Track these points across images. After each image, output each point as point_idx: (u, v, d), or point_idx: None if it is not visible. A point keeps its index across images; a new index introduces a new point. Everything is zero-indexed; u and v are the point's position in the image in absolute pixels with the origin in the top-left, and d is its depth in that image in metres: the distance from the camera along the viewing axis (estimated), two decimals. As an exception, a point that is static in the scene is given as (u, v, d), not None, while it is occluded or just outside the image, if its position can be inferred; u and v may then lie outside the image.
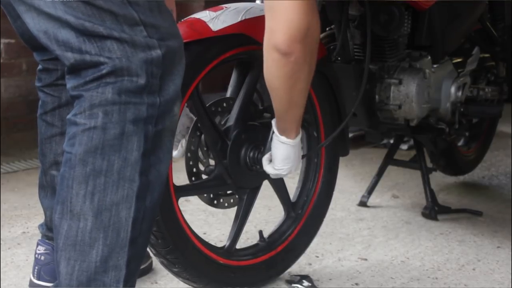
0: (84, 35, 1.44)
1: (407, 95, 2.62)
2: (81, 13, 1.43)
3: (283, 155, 2.04)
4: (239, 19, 2.05)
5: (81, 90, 1.45)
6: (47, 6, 1.44)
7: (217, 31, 2.01)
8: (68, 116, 1.47)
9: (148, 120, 1.47)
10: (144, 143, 1.46)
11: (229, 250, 2.20)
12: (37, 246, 2.00)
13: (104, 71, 1.44)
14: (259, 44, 2.08)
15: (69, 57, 1.46)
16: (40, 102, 1.93)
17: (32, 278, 2.02)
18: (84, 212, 1.42)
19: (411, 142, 3.61)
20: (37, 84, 1.93)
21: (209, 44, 2.02)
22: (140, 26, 1.47)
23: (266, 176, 2.23)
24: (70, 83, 1.47)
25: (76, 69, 1.46)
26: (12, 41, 3.78)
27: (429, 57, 2.71)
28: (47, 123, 1.90)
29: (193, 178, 2.11)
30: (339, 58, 2.59)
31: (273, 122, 2.06)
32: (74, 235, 1.42)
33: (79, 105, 1.45)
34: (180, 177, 2.17)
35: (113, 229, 1.43)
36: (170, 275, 2.20)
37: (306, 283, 2.29)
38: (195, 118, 2.09)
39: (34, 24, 1.48)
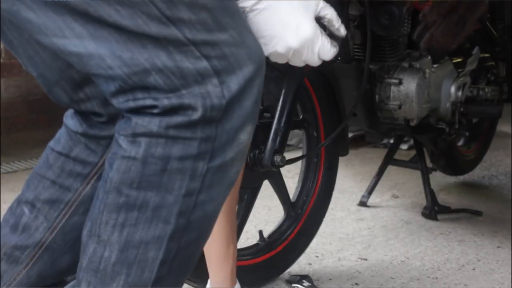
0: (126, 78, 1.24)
1: (407, 95, 2.62)
2: (115, 42, 1.23)
3: None
4: (239, 19, 2.04)
5: (129, 110, 1.28)
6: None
7: None
8: (116, 128, 1.30)
9: (199, 157, 1.27)
10: (189, 182, 1.28)
11: (230, 250, 2.20)
12: None
13: (154, 111, 1.25)
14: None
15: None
16: (59, 136, 1.61)
17: None
18: (111, 243, 1.31)
19: (411, 142, 3.61)
20: (75, 128, 1.58)
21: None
22: (189, 46, 1.24)
23: (266, 176, 2.24)
24: (115, 99, 1.29)
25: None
26: (12, 41, 3.78)
27: (429, 57, 2.71)
28: (47, 161, 1.69)
29: (193, 178, 2.10)
30: (339, 58, 2.59)
31: None
32: (98, 262, 1.32)
33: (125, 124, 1.28)
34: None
35: (137, 267, 1.32)
36: (170, 275, 2.19)
37: (306, 283, 2.29)
38: None
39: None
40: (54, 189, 1.55)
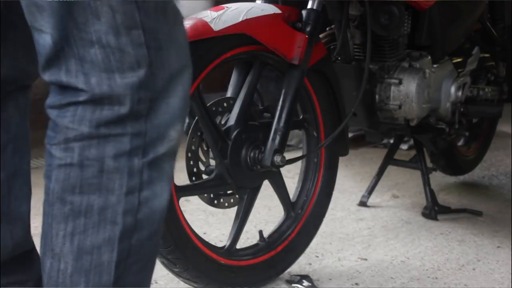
0: (64, 38, 1.23)
1: (407, 95, 2.63)
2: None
3: None
4: (240, 19, 2.05)
5: (56, 115, 1.27)
6: None
7: (218, 31, 2.01)
8: (45, 140, 1.29)
9: (132, 153, 1.28)
10: (128, 180, 1.28)
11: (230, 250, 2.20)
12: None
13: (81, 99, 1.24)
14: (260, 44, 2.09)
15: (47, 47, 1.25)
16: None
17: None
18: (64, 254, 1.29)
19: (411, 142, 3.61)
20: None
21: (211, 44, 2.02)
22: (138, 29, 1.25)
23: (266, 176, 2.24)
24: (49, 100, 1.28)
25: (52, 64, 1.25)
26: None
27: (429, 57, 2.71)
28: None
29: (193, 178, 2.11)
30: (339, 58, 2.59)
31: None
32: (56, 276, 1.30)
33: (54, 133, 1.28)
34: (180, 177, 2.17)
35: (95, 273, 1.31)
36: (170, 275, 2.20)
37: (306, 283, 2.29)
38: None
39: None
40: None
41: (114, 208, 1.29)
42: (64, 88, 1.26)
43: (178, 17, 1.33)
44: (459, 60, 2.90)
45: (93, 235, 1.29)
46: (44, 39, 1.24)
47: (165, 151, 1.32)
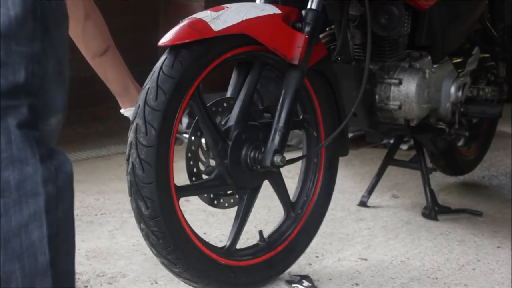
0: None
1: (407, 95, 2.62)
2: None
3: None
4: (240, 19, 2.05)
5: None
6: None
7: (218, 31, 2.01)
8: None
9: (32, 123, 1.27)
10: (38, 148, 1.25)
11: (230, 250, 2.20)
12: None
13: None
14: (260, 44, 2.09)
15: None
16: None
17: None
18: None
19: (411, 142, 3.61)
20: None
21: (211, 44, 2.02)
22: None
23: (266, 176, 2.24)
24: None
25: None
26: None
27: (429, 57, 2.72)
28: None
29: (193, 178, 2.11)
30: (339, 58, 2.59)
31: None
32: None
33: None
34: (180, 177, 2.17)
35: (28, 255, 1.22)
36: (170, 275, 2.20)
37: (306, 283, 2.29)
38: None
39: None
40: None
41: (33, 178, 1.24)
42: None
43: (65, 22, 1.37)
44: (459, 60, 2.90)
45: (17, 213, 1.22)
46: None
47: (51, 129, 1.33)
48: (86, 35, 2.15)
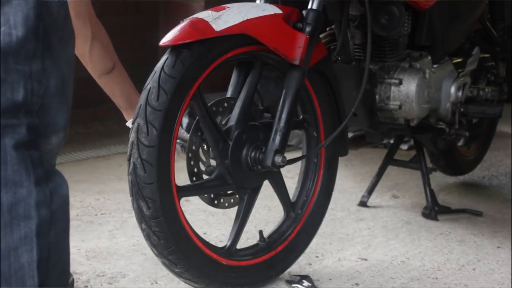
0: None
1: (407, 95, 2.63)
2: None
3: None
4: (241, 19, 2.05)
5: None
6: None
7: (220, 31, 2.00)
8: None
9: (30, 144, 1.26)
10: (34, 171, 1.24)
11: (230, 250, 2.20)
12: None
13: None
14: (261, 44, 2.09)
15: None
16: None
17: None
18: None
19: (411, 142, 3.61)
20: None
21: (212, 44, 2.02)
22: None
23: (266, 176, 2.24)
24: None
25: None
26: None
27: (429, 57, 2.71)
28: None
29: (194, 178, 2.11)
30: (339, 58, 2.59)
31: None
32: None
33: None
34: (180, 177, 2.17)
35: (16, 278, 1.22)
36: (170, 275, 2.20)
37: (306, 283, 2.29)
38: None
39: None
40: None
41: (26, 201, 1.23)
42: None
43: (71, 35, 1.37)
44: (459, 60, 2.90)
45: (7, 236, 1.21)
46: None
47: (52, 147, 1.32)
48: (92, 55, 2.17)
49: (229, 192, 2.19)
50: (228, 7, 2.07)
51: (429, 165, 3.07)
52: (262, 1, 2.30)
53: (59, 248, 1.27)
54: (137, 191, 1.97)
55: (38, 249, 1.23)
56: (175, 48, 1.99)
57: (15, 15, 1.24)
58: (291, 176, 3.03)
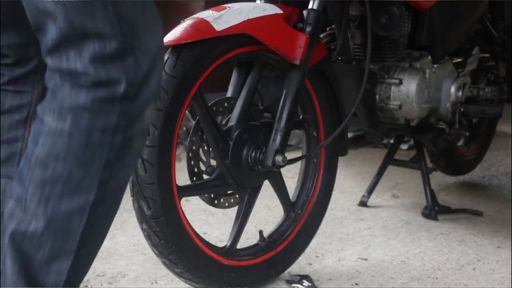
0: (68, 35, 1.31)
1: (407, 95, 2.63)
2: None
3: None
4: (242, 19, 2.05)
5: (54, 84, 1.35)
6: None
7: (221, 31, 2.00)
8: (38, 108, 1.38)
9: (117, 129, 1.37)
10: (108, 153, 1.37)
11: (230, 250, 2.20)
12: None
13: (82, 80, 1.33)
14: (262, 44, 2.09)
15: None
16: None
17: None
18: (37, 217, 1.36)
19: (411, 142, 3.62)
20: None
21: (213, 44, 2.02)
22: (126, 22, 1.34)
23: (266, 176, 2.24)
24: (49, 73, 1.36)
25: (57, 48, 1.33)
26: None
27: (429, 57, 2.72)
28: None
29: (194, 178, 2.11)
30: (339, 58, 2.59)
31: None
32: (22, 235, 1.37)
33: (49, 101, 1.35)
34: (180, 177, 2.17)
35: (62, 238, 1.38)
36: (170, 275, 2.20)
37: (306, 283, 2.29)
38: (193, 122, 2.10)
39: None
40: (4, 148, 1.63)
41: (92, 179, 1.37)
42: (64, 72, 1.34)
43: (152, 7, 1.42)
44: (459, 60, 2.90)
45: (68, 201, 1.36)
46: (47, 37, 1.32)
47: (139, 129, 1.42)
48: None
49: (229, 192, 2.19)
50: (229, 7, 2.07)
51: (429, 165, 3.08)
52: (263, 1, 2.30)
53: (102, 222, 1.42)
54: (138, 191, 1.97)
55: (87, 220, 1.38)
56: (176, 48, 1.99)
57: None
58: (291, 176, 3.03)
